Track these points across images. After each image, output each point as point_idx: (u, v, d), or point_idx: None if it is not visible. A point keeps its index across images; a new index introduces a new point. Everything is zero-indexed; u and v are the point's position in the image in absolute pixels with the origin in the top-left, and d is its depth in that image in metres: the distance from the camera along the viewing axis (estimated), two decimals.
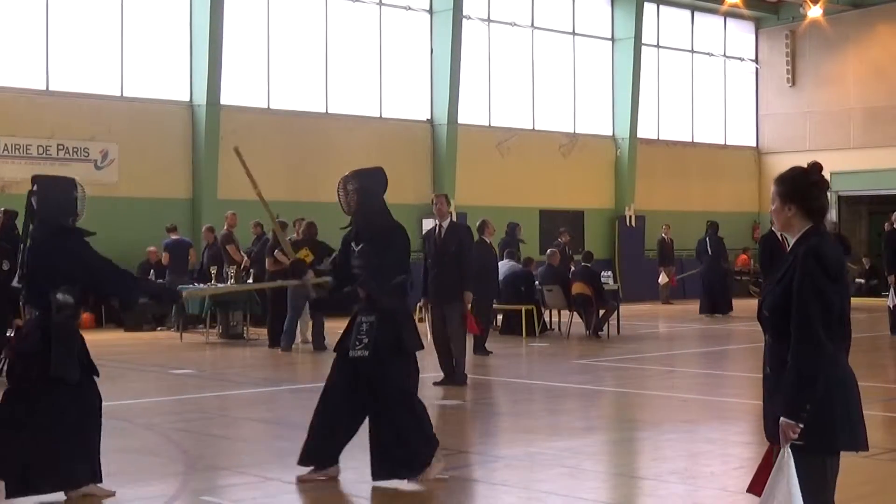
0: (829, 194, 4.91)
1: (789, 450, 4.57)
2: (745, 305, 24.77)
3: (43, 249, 7.45)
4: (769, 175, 33.46)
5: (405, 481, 7.83)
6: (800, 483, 4.54)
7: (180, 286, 8.24)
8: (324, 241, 17.61)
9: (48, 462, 7.32)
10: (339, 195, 8.09)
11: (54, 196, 7.55)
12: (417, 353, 8.09)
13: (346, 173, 8.20)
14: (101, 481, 7.55)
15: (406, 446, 7.84)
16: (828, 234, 4.78)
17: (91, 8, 23.16)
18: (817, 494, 4.62)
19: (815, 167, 4.85)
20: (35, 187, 7.60)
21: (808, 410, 4.53)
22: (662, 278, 29.38)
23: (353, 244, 8.15)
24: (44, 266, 7.42)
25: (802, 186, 4.77)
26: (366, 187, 8.08)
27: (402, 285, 8.07)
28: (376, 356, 7.81)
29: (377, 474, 7.88)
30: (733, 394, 13.15)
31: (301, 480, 7.96)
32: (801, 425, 4.54)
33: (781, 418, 4.58)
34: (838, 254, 4.69)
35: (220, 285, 18.46)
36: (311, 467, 8.02)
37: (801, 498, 4.53)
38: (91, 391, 7.51)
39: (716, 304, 25.72)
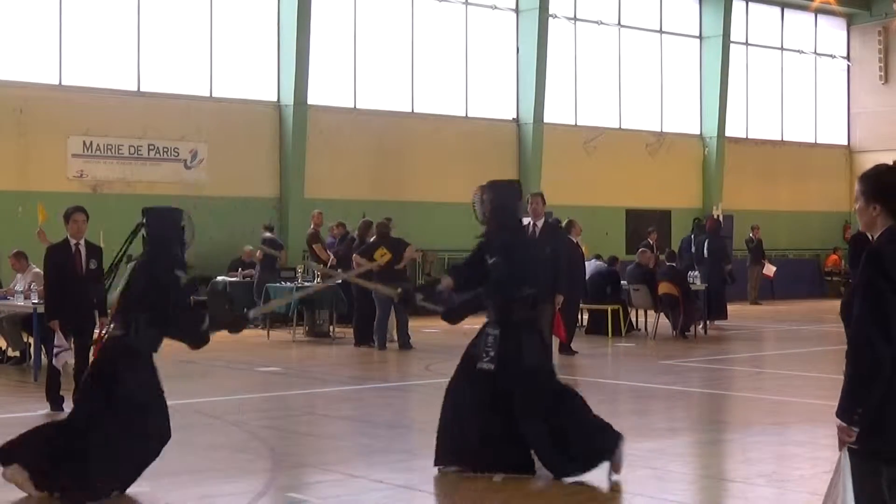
0: None
1: (847, 453, 4.48)
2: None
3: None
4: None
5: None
6: (855, 488, 4.45)
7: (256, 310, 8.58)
8: (400, 237, 17.63)
9: None
10: (474, 204, 8.35)
11: None
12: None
13: (484, 183, 8.42)
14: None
15: (548, 449, 7.99)
16: None
17: (181, 10, 23.48)
18: (872, 502, 4.47)
19: None
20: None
21: (859, 414, 4.41)
22: (769, 269, 29.18)
23: (487, 256, 8.29)
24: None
25: (887, 185, 4.59)
26: (499, 201, 8.32)
27: (528, 299, 8.19)
28: (502, 370, 8.01)
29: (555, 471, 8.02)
30: (824, 396, 12.86)
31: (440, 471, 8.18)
32: (856, 429, 4.42)
33: (837, 421, 4.48)
34: None
35: (306, 285, 18.50)
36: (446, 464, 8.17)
37: (853, 502, 4.44)
38: None
39: (710, 312, 21.93)
